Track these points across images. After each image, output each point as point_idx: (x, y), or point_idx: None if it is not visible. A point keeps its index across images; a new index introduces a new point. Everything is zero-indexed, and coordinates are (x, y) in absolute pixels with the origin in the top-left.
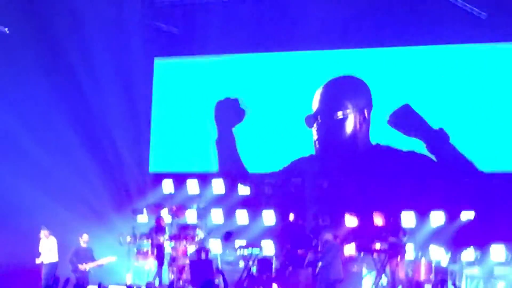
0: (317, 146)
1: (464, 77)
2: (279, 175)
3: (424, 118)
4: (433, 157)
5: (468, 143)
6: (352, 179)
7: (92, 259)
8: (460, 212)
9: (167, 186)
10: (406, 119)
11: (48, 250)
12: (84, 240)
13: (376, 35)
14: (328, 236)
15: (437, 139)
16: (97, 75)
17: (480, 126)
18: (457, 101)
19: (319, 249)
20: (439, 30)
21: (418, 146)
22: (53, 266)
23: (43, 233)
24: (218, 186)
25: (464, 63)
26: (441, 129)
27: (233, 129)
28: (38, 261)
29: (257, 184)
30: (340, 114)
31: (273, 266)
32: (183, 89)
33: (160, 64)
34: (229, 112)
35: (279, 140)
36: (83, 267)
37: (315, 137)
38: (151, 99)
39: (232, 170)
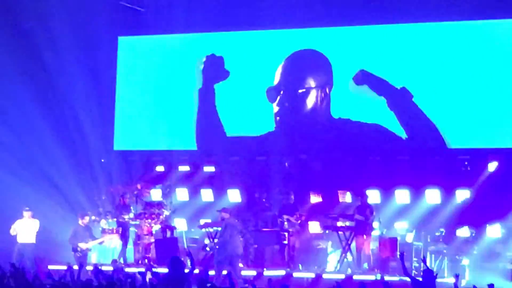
0: (278, 119)
1: (430, 55)
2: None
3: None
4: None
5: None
6: (315, 156)
7: (93, 238)
8: (425, 189)
9: (133, 164)
10: (367, 80)
11: (29, 231)
12: (84, 221)
13: (340, 13)
14: (225, 214)
15: (399, 96)
16: (61, 54)
17: (447, 102)
18: (424, 78)
19: (284, 228)
20: (406, 8)
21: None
22: (32, 247)
23: (27, 214)
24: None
25: (429, 40)
26: (403, 88)
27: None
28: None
29: (223, 162)
30: (302, 89)
31: None
32: (148, 67)
33: (124, 42)
34: (213, 68)
35: (242, 116)
36: (84, 246)
37: (275, 110)
38: (115, 78)
39: (210, 122)
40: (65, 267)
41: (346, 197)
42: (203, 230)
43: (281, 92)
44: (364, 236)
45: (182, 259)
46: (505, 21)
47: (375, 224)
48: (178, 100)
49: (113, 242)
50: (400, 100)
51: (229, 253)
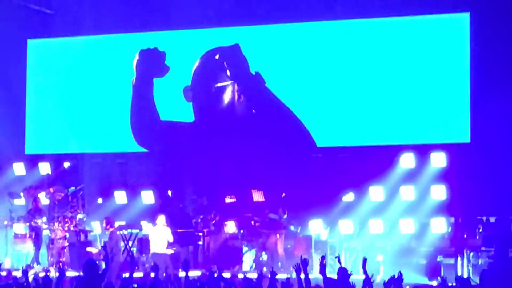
0: (196, 118)
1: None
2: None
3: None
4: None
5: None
6: (230, 155)
7: None
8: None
9: (44, 168)
10: (234, 57)
11: (163, 239)
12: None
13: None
14: None
15: (253, 82)
16: None
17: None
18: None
19: (199, 228)
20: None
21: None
22: (167, 257)
23: (162, 221)
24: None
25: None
26: (257, 73)
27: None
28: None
29: (137, 163)
30: (217, 86)
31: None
32: (58, 70)
33: (34, 45)
34: (153, 63)
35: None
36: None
37: (193, 109)
38: (25, 81)
39: (145, 117)
40: None
41: (260, 196)
42: (118, 232)
43: (196, 91)
44: (278, 235)
45: (97, 262)
46: (425, 17)
47: (289, 222)
48: (89, 102)
49: (26, 246)
50: (254, 86)
51: None
